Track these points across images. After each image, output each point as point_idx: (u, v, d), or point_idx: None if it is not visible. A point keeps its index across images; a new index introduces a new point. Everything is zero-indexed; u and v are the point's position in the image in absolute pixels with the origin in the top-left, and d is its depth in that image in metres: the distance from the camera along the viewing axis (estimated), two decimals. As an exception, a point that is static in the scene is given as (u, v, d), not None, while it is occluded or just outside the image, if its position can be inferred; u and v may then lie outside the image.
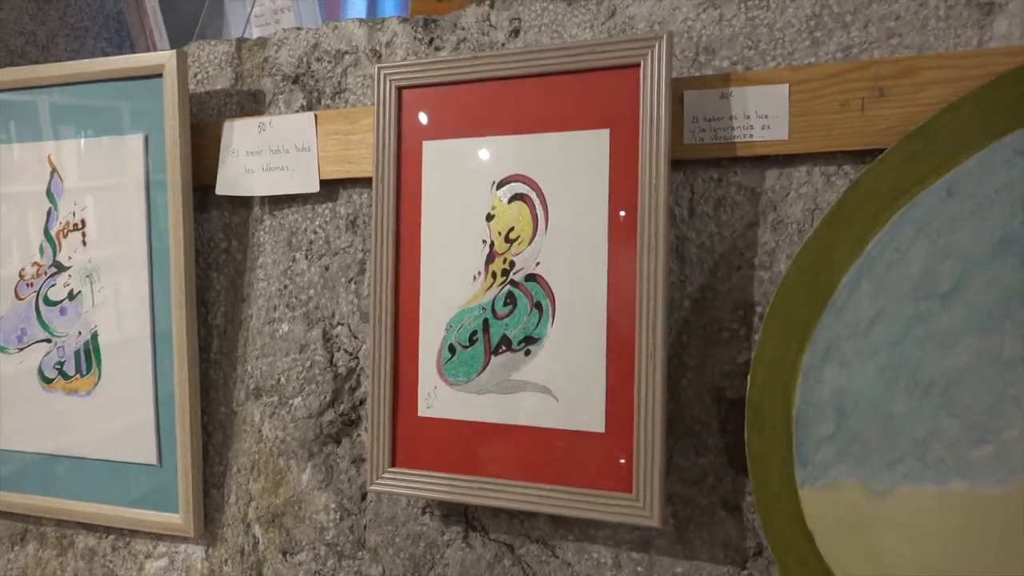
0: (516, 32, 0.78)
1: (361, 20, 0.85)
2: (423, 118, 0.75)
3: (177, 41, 1.24)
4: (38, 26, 1.24)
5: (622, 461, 0.66)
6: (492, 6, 0.79)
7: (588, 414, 0.68)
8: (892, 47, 0.65)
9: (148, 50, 1.17)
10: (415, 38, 0.82)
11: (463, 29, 0.80)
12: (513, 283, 0.71)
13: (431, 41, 0.81)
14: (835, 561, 0.62)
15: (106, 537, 0.94)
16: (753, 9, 0.69)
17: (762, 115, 0.67)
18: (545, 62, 0.70)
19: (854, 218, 0.61)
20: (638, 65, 0.66)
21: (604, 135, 0.68)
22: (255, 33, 1.10)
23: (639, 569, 0.72)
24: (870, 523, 0.61)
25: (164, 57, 0.84)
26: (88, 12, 1.25)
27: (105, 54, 1.30)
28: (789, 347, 0.62)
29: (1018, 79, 0.57)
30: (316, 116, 0.82)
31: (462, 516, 0.79)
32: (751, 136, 0.67)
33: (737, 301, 0.69)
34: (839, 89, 0.65)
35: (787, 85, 0.66)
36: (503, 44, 0.78)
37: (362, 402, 0.83)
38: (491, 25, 0.79)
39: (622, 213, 0.67)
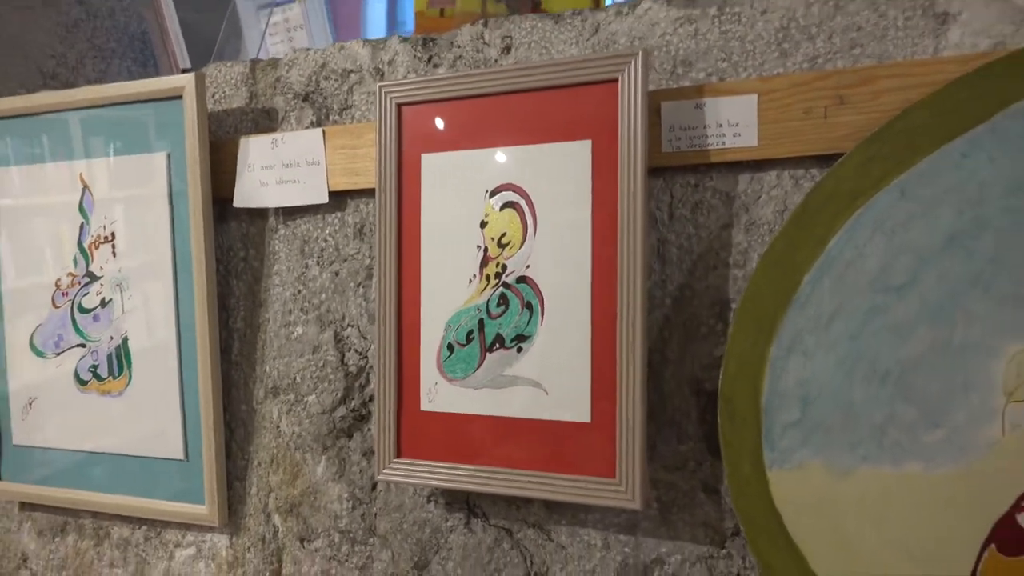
0: (508, 49, 0.83)
1: (365, 40, 0.91)
2: (421, 132, 0.80)
3: (197, 58, 1.31)
4: (68, 48, 1.32)
5: (606, 449, 0.71)
6: (485, 25, 0.85)
7: (575, 406, 0.73)
8: (855, 56, 0.70)
9: (171, 68, 1.24)
10: (415, 56, 0.87)
11: (459, 47, 0.85)
12: (505, 285, 0.76)
13: (430, 59, 0.87)
14: (802, 539, 0.66)
15: (139, 528, 1.01)
16: (726, 23, 0.74)
17: (733, 124, 0.71)
18: (532, 78, 0.75)
19: (816, 219, 0.65)
20: (616, 80, 0.71)
21: (587, 146, 0.73)
22: (270, 49, 1.17)
23: (626, 550, 0.77)
24: (833, 502, 0.65)
25: (184, 80, 0.91)
26: (114, 34, 1.33)
27: (131, 73, 1.38)
28: (757, 341, 0.67)
29: (964, 86, 0.62)
30: (324, 132, 0.88)
31: (464, 503, 0.84)
32: (724, 143, 0.72)
33: (714, 298, 0.74)
34: (803, 98, 0.69)
35: (756, 95, 0.71)
36: (496, 60, 0.84)
37: (371, 398, 0.89)
38: (485, 43, 0.84)
39: (604, 218, 0.72)
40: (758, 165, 0.73)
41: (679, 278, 0.75)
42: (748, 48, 0.73)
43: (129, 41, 1.35)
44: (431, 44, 0.87)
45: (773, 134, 0.70)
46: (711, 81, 0.74)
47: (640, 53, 0.70)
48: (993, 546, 0.62)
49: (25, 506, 1.08)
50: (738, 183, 0.73)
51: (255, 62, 0.96)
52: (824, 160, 0.70)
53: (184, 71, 1.21)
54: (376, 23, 1.38)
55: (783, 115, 0.70)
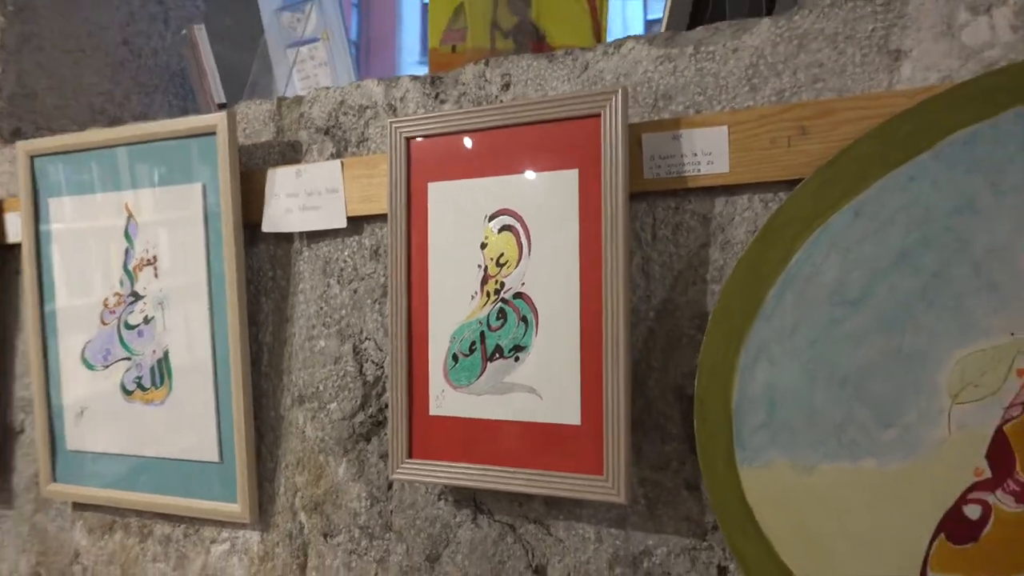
0: (507, 86, 0.91)
1: (379, 79, 0.99)
2: (428, 163, 0.89)
3: (231, 92, 1.41)
4: (115, 86, 1.43)
5: (595, 449, 0.79)
6: (487, 64, 0.93)
7: (567, 410, 0.80)
8: (817, 90, 0.77)
9: (207, 102, 1.34)
10: (424, 93, 0.96)
11: (463, 84, 0.94)
12: (504, 301, 0.84)
13: (437, 95, 0.95)
14: (771, 531, 0.72)
15: (179, 525, 1.11)
16: (702, 61, 0.81)
17: (707, 152, 0.79)
18: (524, 114, 0.83)
19: (778, 239, 0.72)
20: (599, 115, 0.79)
21: (574, 174, 0.81)
22: (297, 85, 1.26)
23: (617, 543, 0.84)
24: (798, 496, 0.71)
25: (216, 118, 1.01)
26: (156, 72, 1.44)
27: (171, 107, 1.49)
28: (728, 350, 0.74)
29: (911, 117, 0.68)
30: (343, 163, 0.97)
31: (471, 500, 0.92)
32: (699, 170, 0.79)
33: (694, 311, 0.81)
34: (769, 129, 0.76)
35: (726, 127, 0.78)
36: (497, 96, 0.92)
37: (387, 405, 0.97)
38: (486, 80, 0.93)
39: (590, 239, 0.79)
40: (731, 189, 0.79)
41: (662, 293, 0.82)
42: (721, 83, 0.80)
43: (170, 78, 1.46)
44: (438, 82, 0.95)
45: (743, 162, 0.77)
46: (689, 114, 0.81)
47: (620, 90, 0.77)
48: (943, 535, 0.67)
49: (77, 506, 1.18)
50: (714, 206, 0.80)
51: (281, 99, 1.05)
52: (789, 185, 0.76)
53: (219, 105, 1.31)
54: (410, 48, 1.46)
55: (751, 144, 0.77)
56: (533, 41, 1.16)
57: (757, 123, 0.76)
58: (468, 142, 0.86)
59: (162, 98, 1.46)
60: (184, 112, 1.54)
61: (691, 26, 1.03)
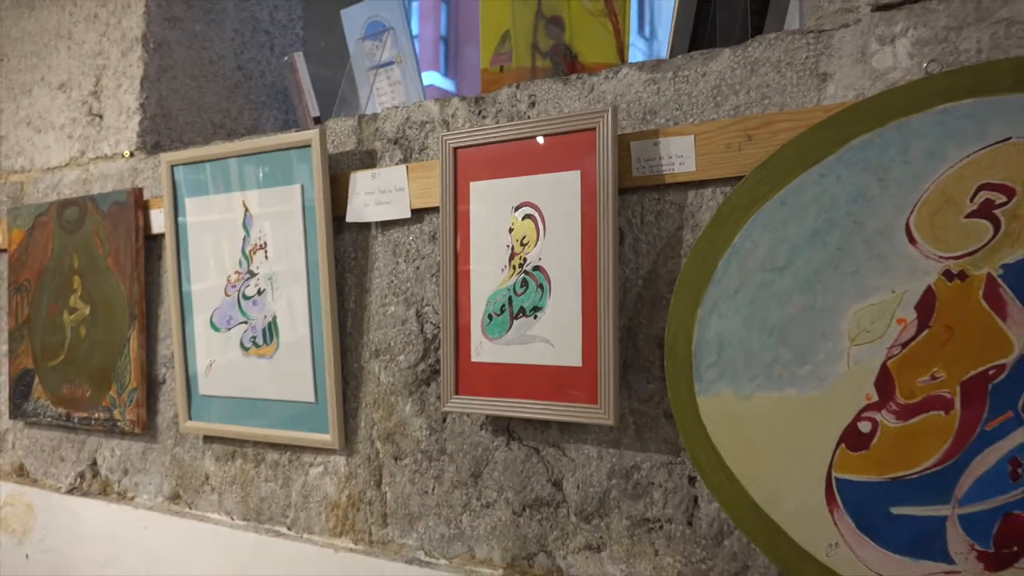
0: (533, 104, 1.16)
1: (436, 99, 1.26)
2: (470, 167, 1.14)
3: (324, 105, 1.70)
4: (230, 104, 1.75)
5: (592, 384, 1.03)
6: (518, 87, 1.18)
7: (571, 354, 1.05)
8: (764, 106, 0.98)
9: (305, 116, 1.64)
10: (469, 110, 1.22)
11: (500, 103, 1.19)
12: (526, 272, 1.09)
13: (480, 112, 1.21)
14: (720, 444, 0.95)
15: (284, 453, 1.41)
16: (679, 83, 1.04)
17: (679, 155, 1.01)
18: (540, 128, 1.07)
19: (725, 222, 0.95)
20: (594, 129, 1.03)
21: (577, 175, 1.05)
22: (377, 100, 1.54)
23: (613, 460, 1.08)
24: (739, 417, 0.94)
25: (312, 134, 1.29)
26: (264, 91, 1.75)
27: (276, 120, 1.80)
28: (689, 306, 0.97)
29: (821, 129, 0.89)
30: (408, 167, 1.24)
31: (504, 429, 1.17)
32: (673, 169, 1.02)
33: (671, 279, 1.04)
34: (725, 137, 0.98)
35: (693, 136, 1.00)
36: (525, 112, 1.17)
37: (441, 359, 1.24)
38: (517, 100, 1.18)
39: (589, 224, 1.03)
40: (699, 184, 1.02)
41: (647, 265, 1.06)
42: (693, 101, 1.03)
43: (275, 95, 1.77)
44: (481, 101, 1.21)
45: (706, 163, 1.00)
46: (668, 125, 1.04)
47: (609, 110, 1.01)
48: (843, 445, 0.89)
49: (207, 439, 1.50)
50: (687, 197, 1.03)
51: (361, 116, 1.33)
52: (740, 180, 0.99)
53: (315, 118, 1.61)
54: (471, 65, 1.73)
55: (711, 149, 0.99)
56: (567, 60, 1.40)
57: (716, 132, 0.99)
58: (499, 150, 1.12)
59: (269, 112, 1.78)
60: (286, 124, 1.85)
61: (691, 48, 1.26)
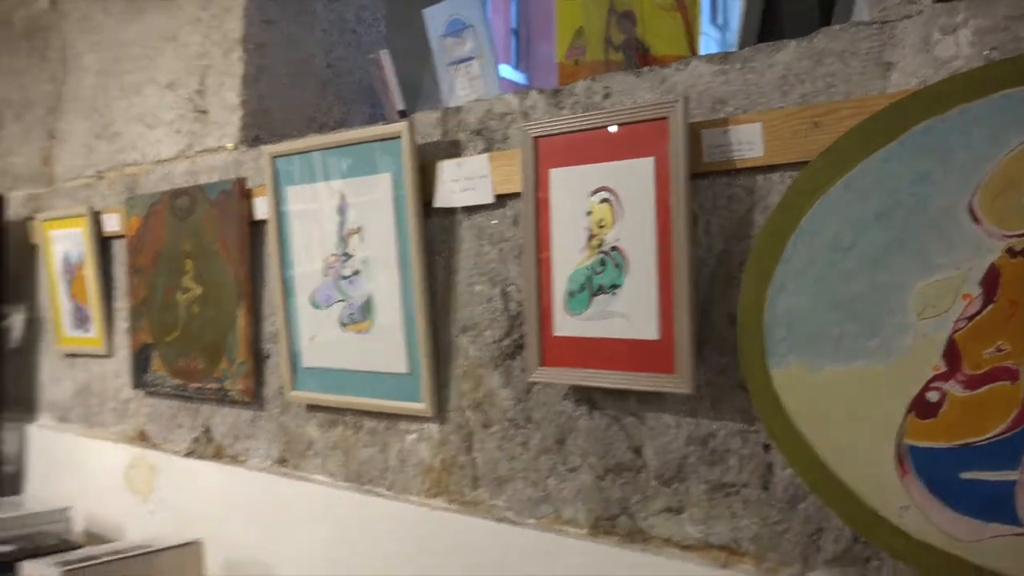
0: (608, 95, 1.24)
1: (515, 92, 1.34)
2: (550, 155, 1.23)
3: (408, 97, 1.80)
4: (321, 99, 1.87)
5: (668, 355, 1.11)
6: (594, 80, 1.25)
7: (648, 329, 1.13)
8: (830, 94, 1.03)
9: (391, 110, 1.74)
10: (547, 102, 1.30)
11: (576, 95, 1.27)
12: (604, 252, 1.17)
13: (557, 103, 1.29)
14: (793, 413, 1.01)
15: (382, 420, 1.53)
16: (747, 73, 1.10)
17: (748, 142, 1.08)
18: (616, 117, 1.15)
19: (793, 205, 1.01)
20: (667, 118, 1.10)
21: (651, 161, 1.12)
22: (458, 94, 1.63)
23: (690, 428, 1.16)
24: (812, 389, 1.00)
25: (401, 127, 1.40)
26: (353, 88, 1.87)
27: (363, 114, 1.92)
28: (759, 285, 1.03)
29: (884, 115, 0.94)
30: (490, 156, 1.33)
31: (587, 399, 1.26)
32: (743, 155, 1.08)
33: (742, 259, 1.11)
34: (791, 124, 1.04)
35: (761, 123, 1.06)
36: (600, 103, 1.24)
37: (526, 332, 1.33)
38: (593, 91, 1.25)
39: (663, 207, 1.11)
40: (768, 168, 1.08)
41: (719, 245, 1.13)
42: (761, 90, 1.09)
43: (362, 91, 1.88)
44: (558, 93, 1.29)
45: (774, 149, 1.06)
46: (737, 114, 1.10)
47: (681, 100, 1.08)
48: (912, 413, 0.95)
49: (310, 407, 1.64)
50: (756, 181, 1.09)
51: (445, 110, 1.43)
52: (806, 165, 1.04)
53: (400, 112, 1.71)
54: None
55: (779, 136, 1.05)
56: (639, 53, 1.46)
57: (784, 120, 1.05)
58: (578, 138, 1.20)
59: (355, 107, 1.89)
60: (372, 118, 1.97)
61: (760, 39, 1.31)
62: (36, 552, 1.71)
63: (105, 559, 1.55)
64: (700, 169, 1.12)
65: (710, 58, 1.14)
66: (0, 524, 1.92)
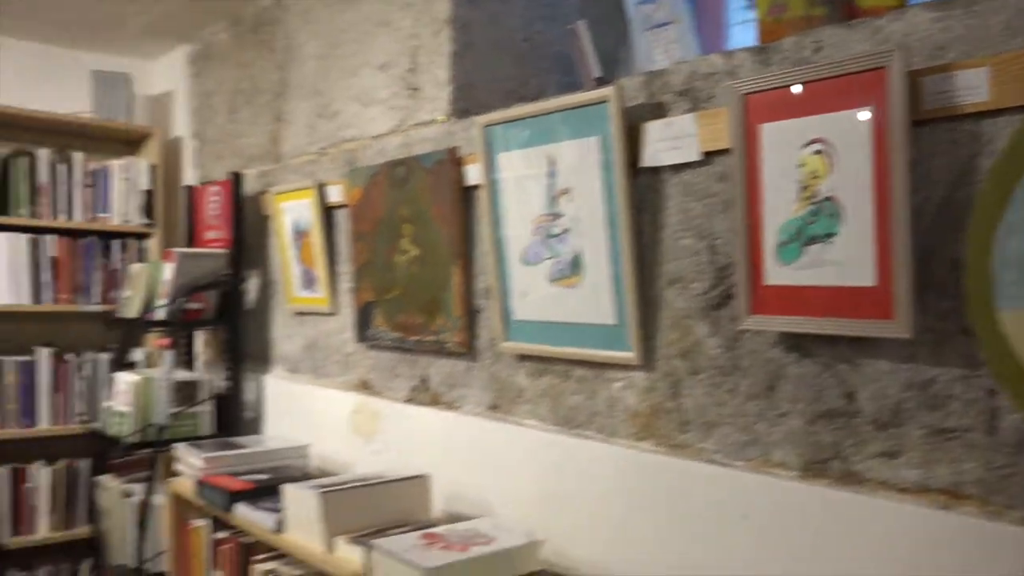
0: (819, 49, 1.26)
1: (721, 52, 1.39)
2: (758, 111, 1.27)
3: (603, 65, 1.89)
4: (520, 71, 1.99)
5: (887, 301, 1.14)
6: (803, 35, 1.28)
7: (864, 275, 1.16)
8: (1066, 32, 1.02)
9: (587, 78, 1.84)
10: (753, 60, 1.34)
11: (784, 51, 1.30)
12: (816, 203, 1.21)
13: (764, 60, 1.33)
14: (1021, 355, 1.02)
15: (590, 369, 1.65)
16: (967, 19, 1.10)
17: (972, 87, 1.08)
18: (829, 70, 1.18)
19: (1018, 150, 1.00)
20: (884, 67, 1.11)
21: (868, 111, 1.14)
22: (656, 59, 1.70)
23: (908, 374, 1.18)
24: (1039, 329, 1.01)
25: (609, 91, 1.48)
26: (548, 59, 1.98)
27: (559, 84, 2.02)
28: (987, 229, 1.04)
29: None
30: (697, 115, 1.39)
31: (796, 346, 1.31)
32: (967, 99, 1.08)
33: (965, 205, 1.11)
34: (1019, 67, 1.03)
35: (986, 67, 1.06)
36: (810, 58, 1.27)
37: (732, 285, 1.39)
38: (802, 47, 1.28)
39: (881, 157, 1.13)
40: (993, 113, 1.08)
41: (941, 191, 1.13)
42: (984, 35, 1.08)
43: (559, 60, 1.98)
44: (764, 51, 1.33)
45: (1000, 93, 1.05)
46: (958, 59, 1.10)
47: (897, 50, 1.09)
48: None
49: (521, 357, 1.78)
50: (980, 126, 1.09)
51: (650, 73, 1.50)
52: (1039, 106, 1.03)
53: (597, 79, 1.80)
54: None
55: (1005, 79, 1.05)
56: (844, 5, 1.46)
57: (1011, 63, 1.04)
58: (788, 93, 1.24)
59: (550, 77, 2.00)
60: (567, 86, 2.07)
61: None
62: (287, 480, 1.98)
63: (350, 486, 1.78)
64: (920, 116, 1.13)
65: (928, 5, 1.14)
66: (254, 457, 2.22)
